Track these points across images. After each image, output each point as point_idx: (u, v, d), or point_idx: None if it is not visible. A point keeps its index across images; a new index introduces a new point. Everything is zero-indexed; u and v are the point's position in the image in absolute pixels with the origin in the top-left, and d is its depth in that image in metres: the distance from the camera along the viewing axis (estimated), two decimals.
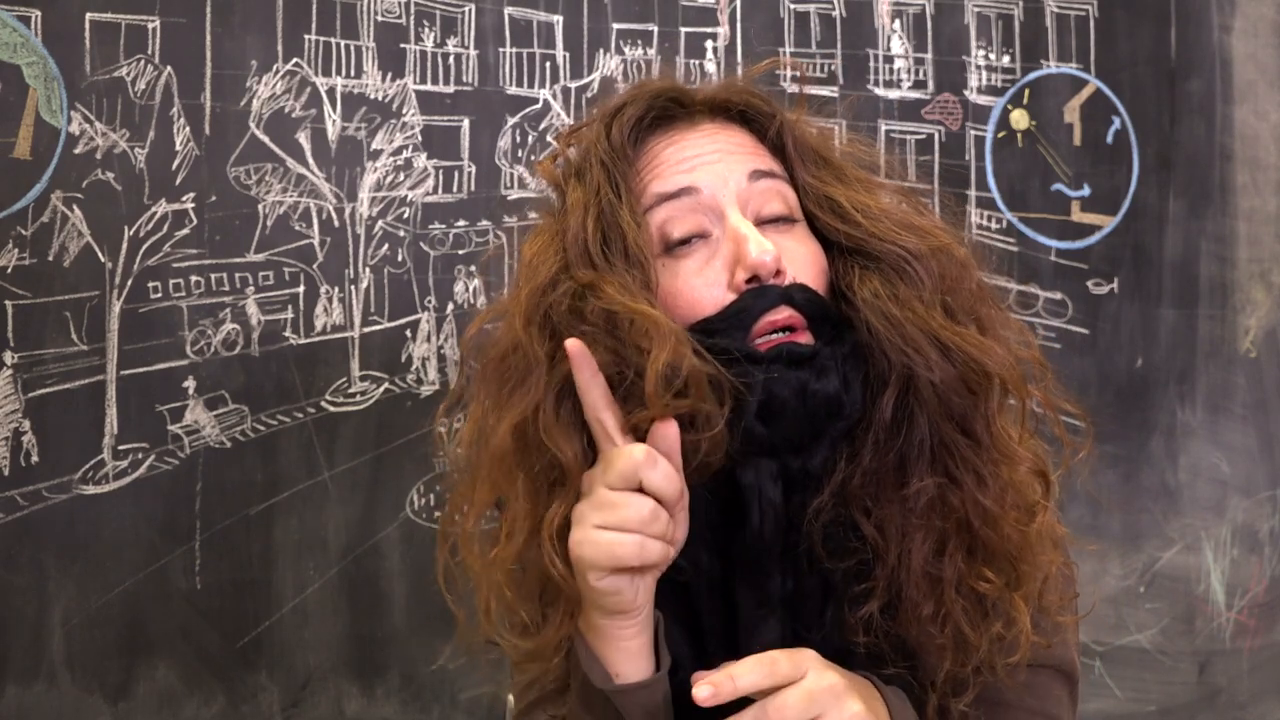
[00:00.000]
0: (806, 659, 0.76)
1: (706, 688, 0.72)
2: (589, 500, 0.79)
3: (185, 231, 1.28)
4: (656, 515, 0.77)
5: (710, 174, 0.87)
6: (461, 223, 1.39)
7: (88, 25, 1.24)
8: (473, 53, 1.39)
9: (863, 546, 0.83)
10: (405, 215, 1.36)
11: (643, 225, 0.85)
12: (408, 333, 1.36)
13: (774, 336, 0.83)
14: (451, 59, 1.38)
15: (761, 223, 0.87)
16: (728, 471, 0.83)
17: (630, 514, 0.77)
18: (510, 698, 1.38)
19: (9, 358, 1.21)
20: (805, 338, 0.83)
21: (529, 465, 0.83)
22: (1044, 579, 0.85)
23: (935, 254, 0.86)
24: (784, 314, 0.83)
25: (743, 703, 0.74)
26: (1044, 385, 0.91)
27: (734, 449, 0.81)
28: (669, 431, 0.78)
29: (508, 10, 1.41)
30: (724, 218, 0.86)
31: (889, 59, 1.56)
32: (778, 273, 0.84)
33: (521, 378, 0.83)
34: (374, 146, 1.35)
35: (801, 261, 0.86)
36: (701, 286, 0.85)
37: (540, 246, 0.88)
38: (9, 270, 1.21)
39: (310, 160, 1.32)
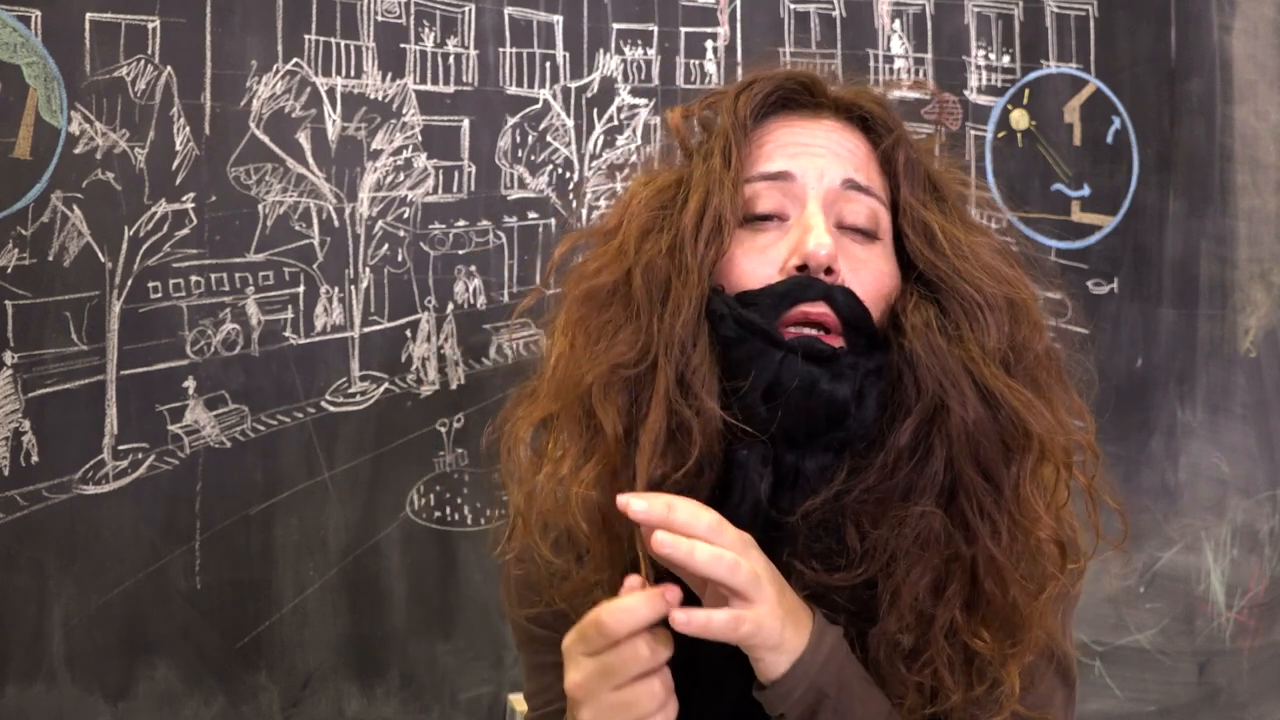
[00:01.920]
0: (742, 541, 0.77)
1: (641, 503, 0.74)
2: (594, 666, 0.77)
3: (185, 231, 1.28)
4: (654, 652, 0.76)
5: (809, 164, 0.89)
6: (461, 223, 1.39)
7: (88, 25, 1.24)
8: (473, 53, 1.39)
9: (844, 559, 0.82)
10: (405, 215, 1.36)
11: (738, 197, 0.87)
12: (408, 333, 1.36)
13: (804, 329, 0.84)
14: (451, 59, 1.38)
15: (842, 228, 0.88)
16: (727, 448, 0.83)
17: (632, 665, 0.75)
18: (511, 699, 1.39)
19: (9, 358, 1.21)
20: (834, 340, 0.84)
21: (591, 411, 0.84)
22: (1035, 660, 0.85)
23: (1010, 307, 0.87)
24: (819, 309, 0.84)
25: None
26: (1092, 470, 0.90)
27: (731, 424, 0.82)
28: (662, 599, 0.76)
29: (508, 10, 1.41)
30: (804, 204, 0.88)
31: (889, 59, 1.56)
32: (830, 271, 0.85)
33: (616, 328, 0.85)
34: (374, 146, 1.35)
35: (864, 273, 0.87)
36: (759, 261, 0.87)
37: (650, 196, 0.90)
38: (9, 270, 1.21)
39: (310, 160, 1.32)
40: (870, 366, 0.84)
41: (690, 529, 0.74)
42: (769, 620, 0.75)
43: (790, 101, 0.93)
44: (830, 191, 0.88)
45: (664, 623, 0.75)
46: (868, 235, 0.89)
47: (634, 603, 0.75)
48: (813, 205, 0.87)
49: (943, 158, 1.00)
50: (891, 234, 0.91)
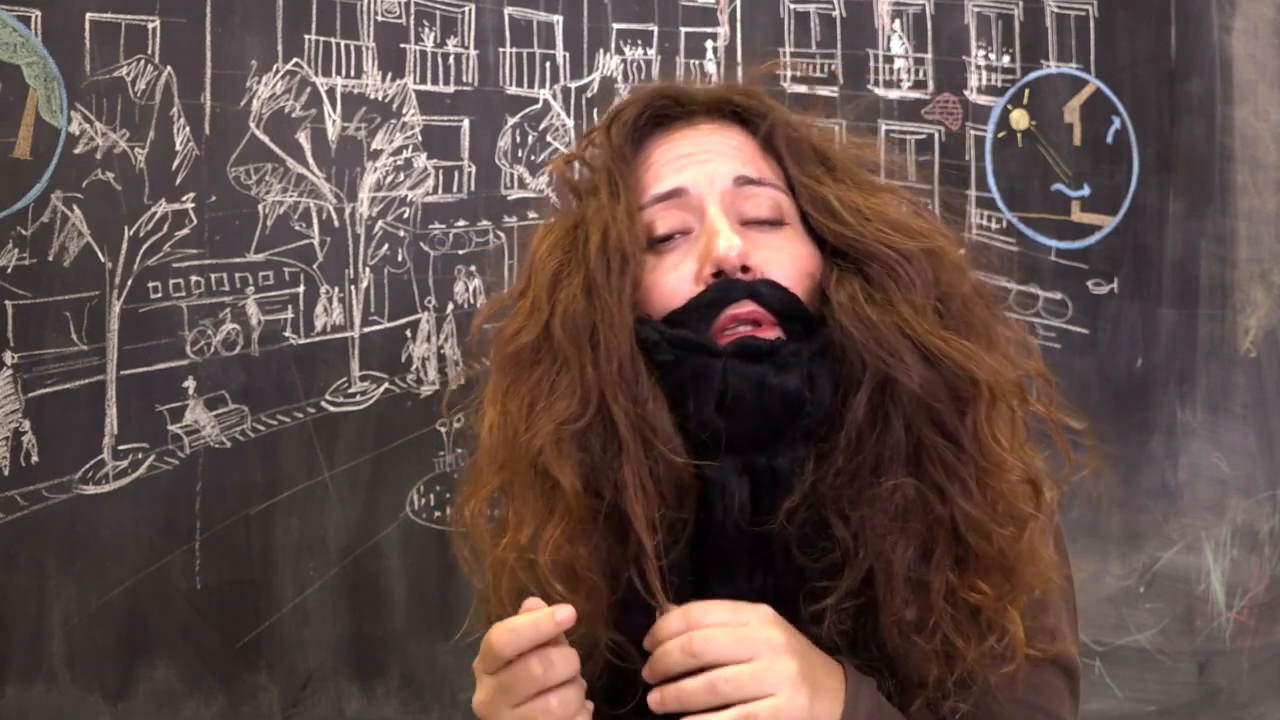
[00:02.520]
0: (751, 611, 0.77)
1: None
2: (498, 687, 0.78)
3: (185, 231, 1.28)
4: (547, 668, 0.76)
5: (698, 173, 0.89)
6: (461, 223, 1.39)
7: (88, 25, 1.24)
8: (473, 53, 1.39)
9: (836, 548, 0.82)
10: (405, 215, 1.36)
11: (635, 224, 0.87)
12: (408, 333, 1.36)
13: (739, 330, 0.84)
14: (451, 59, 1.38)
15: (747, 223, 0.88)
16: (698, 469, 0.83)
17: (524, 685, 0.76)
18: None
19: (9, 358, 1.21)
20: (770, 333, 0.84)
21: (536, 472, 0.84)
22: (1041, 593, 0.85)
23: (929, 256, 0.86)
24: (747, 308, 0.84)
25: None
26: (1047, 397, 0.90)
27: (698, 440, 0.82)
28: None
29: (508, 10, 1.40)
30: (704, 213, 0.87)
31: (889, 59, 1.56)
32: (747, 269, 0.85)
33: (550, 385, 0.84)
34: (374, 146, 1.35)
35: (780, 261, 0.87)
36: (674, 280, 0.86)
37: (551, 244, 0.90)
38: (9, 270, 1.21)
39: (310, 160, 1.32)
40: (813, 349, 0.84)
41: (704, 657, 0.75)
42: (788, 707, 0.75)
43: (663, 118, 0.93)
44: (725, 193, 0.88)
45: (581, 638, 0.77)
46: (774, 224, 0.89)
47: (521, 624, 0.75)
48: (712, 210, 0.87)
49: (835, 126, 0.99)
50: (798, 216, 0.90)
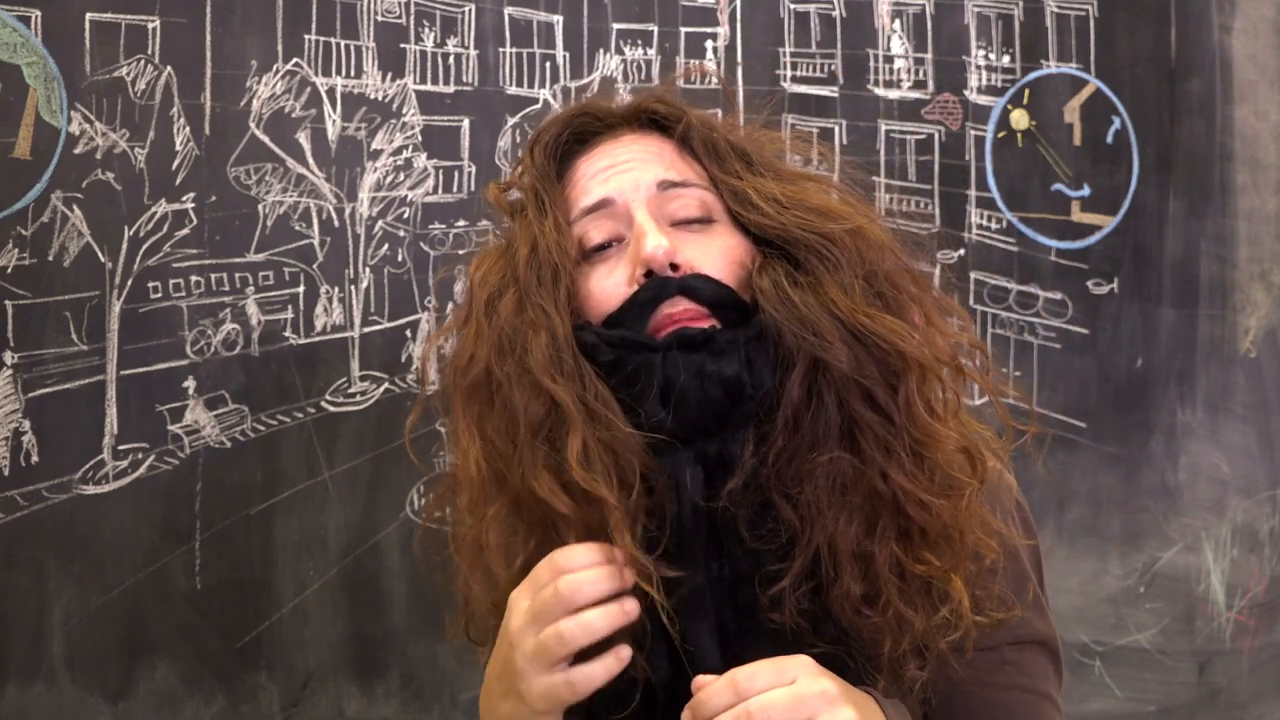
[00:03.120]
0: (795, 666, 0.76)
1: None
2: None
3: (185, 231, 1.28)
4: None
5: (623, 181, 0.91)
6: (461, 223, 1.39)
7: (88, 25, 1.24)
8: (473, 53, 1.39)
9: (783, 529, 0.83)
10: (405, 215, 1.36)
11: (565, 236, 0.90)
12: (408, 333, 1.36)
13: (676, 324, 0.86)
14: (451, 59, 1.39)
15: (676, 225, 0.90)
16: (654, 456, 0.85)
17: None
18: None
19: (9, 358, 1.21)
20: (705, 323, 0.86)
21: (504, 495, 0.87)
22: (985, 562, 0.86)
23: (852, 236, 0.88)
24: (681, 306, 0.86)
25: None
26: (982, 367, 0.93)
27: (651, 437, 0.84)
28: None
29: (508, 10, 1.41)
30: (632, 218, 0.90)
31: (889, 59, 1.56)
32: (676, 267, 0.87)
33: (513, 415, 0.86)
34: (374, 146, 1.35)
35: (710, 254, 0.89)
36: (609, 285, 0.89)
37: (487, 269, 0.93)
38: (9, 270, 1.21)
39: (310, 160, 1.32)
40: (749, 334, 0.85)
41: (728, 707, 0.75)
42: None
43: (584, 134, 0.96)
44: (651, 198, 0.91)
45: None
46: (703, 221, 0.91)
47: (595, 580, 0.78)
48: (640, 214, 0.89)
49: (750, 122, 1.02)
50: (725, 211, 0.92)
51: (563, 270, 0.88)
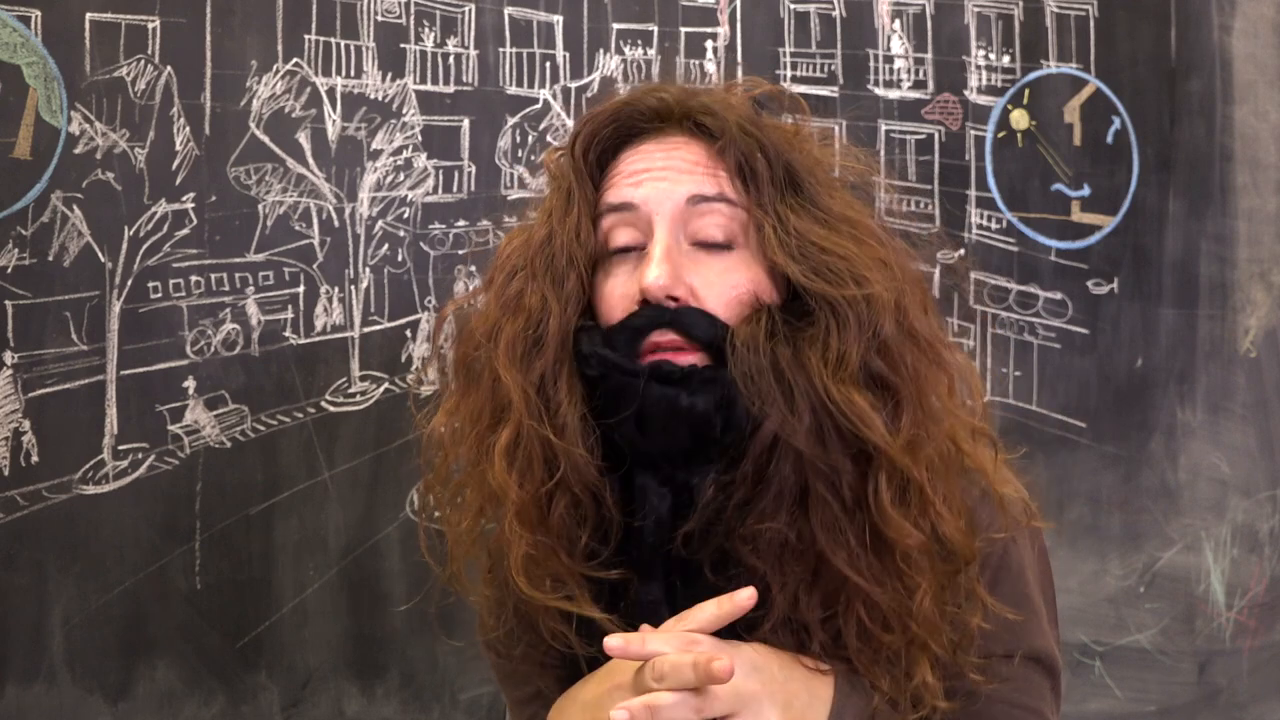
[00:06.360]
0: (735, 650, 0.79)
1: (618, 640, 0.77)
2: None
3: (185, 231, 1.28)
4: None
5: (653, 190, 0.89)
6: (461, 223, 1.39)
7: (88, 25, 1.24)
8: (473, 53, 1.39)
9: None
10: (405, 215, 1.36)
11: (585, 232, 0.89)
12: (408, 333, 1.36)
13: (660, 354, 0.86)
14: (451, 59, 1.39)
15: (697, 244, 0.89)
16: (617, 473, 0.86)
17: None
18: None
19: (9, 358, 1.21)
20: (689, 358, 0.85)
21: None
22: (942, 643, 0.85)
23: (868, 301, 0.85)
24: (667, 336, 0.86)
25: None
26: (996, 457, 0.90)
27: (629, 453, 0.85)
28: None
29: (508, 10, 1.41)
30: (652, 235, 0.88)
31: (889, 59, 1.56)
32: (676, 299, 0.86)
33: (485, 397, 0.88)
34: (374, 146, 1.35)
35: (716, 287, 0.87)
36: (617, 297, 0.89)
37: (512, 249, 0.93)
38: (9, 270, 1.21)
39: (310, 160, 1.32)
40: (731, 376, 0.84)
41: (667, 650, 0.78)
42: None
43: (634, 130, 0.94)
44: (678, 213, 0.89)
45: None
46: (722, 247, 0.89)
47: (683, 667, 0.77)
48: (659, 232, 0.88)
49: (827, 145, 0.97)
50: (754, 235, 0.90)
51: (573, 266, 0.88)
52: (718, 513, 0.84)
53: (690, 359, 0.85)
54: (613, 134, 0.93)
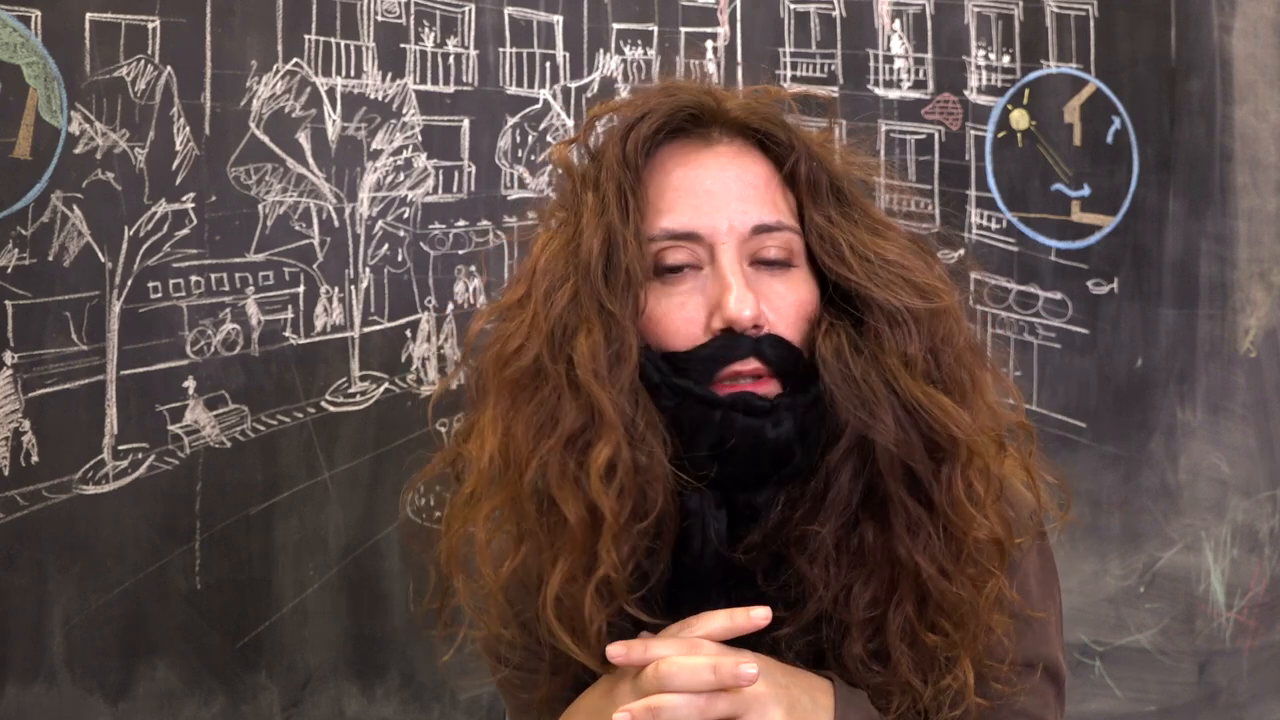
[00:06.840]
0: (738, 654, 0.79)
1: (620, 648, 0.78)
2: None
3: (185, 231, 1.28)
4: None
5: (716, 218, 0.87)
6: (461, 223, 1.39)
7: (88, 25, 1.24)
8: (473, 53, 1.39)
9: (797, 583, 0.84)
10: (405, 215, 1.36)
11: (644, 245, 0.86)
12: (408, 333, 1.36)
13: (738, 382, 0.84)
14: (451, 59, 1.38)
15: (757, 263, 0.87)
16: (676, 493, 0.84)
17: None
18: None
19: (9, 358, 1.21)
20: (767, 387, 0.85)
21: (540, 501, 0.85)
22: (988, 642, 0.86)
23: (931, 315, 0.86)
24: (750, 365, 0.84)
25: None
26: (1030, 452, 0.91)
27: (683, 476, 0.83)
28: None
29: (508, 10, 1.41)
30: (717, 258, 0.86)
31: (889, 59, 1.56)
32: (759, 326, 0.85)
33: (550, 412, 0.84)
34: (374, 146, 1.35)
35: (784, 310, 0.87)
36: (680, 320, 0.86)
37: (552, 254, 0.88)
38: (9, 270, 1.21)
39: (310, 160, 1.32)
40: (808, 401, 0.84)
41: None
42: None
43: (681, 130, 0.91)
44: (741, 239, 0.87)
45: None
46: (784, 265, 0.88)
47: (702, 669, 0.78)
48: (727, 259, 0.86)
49: (843, 147, 0.97)
50: (805, 252, 0.89)
51: (637, 284, 0.85)
52: (780, 526, 0.84)
53: (770, 388, 0.84)
54: (662, 136, 0.90)
